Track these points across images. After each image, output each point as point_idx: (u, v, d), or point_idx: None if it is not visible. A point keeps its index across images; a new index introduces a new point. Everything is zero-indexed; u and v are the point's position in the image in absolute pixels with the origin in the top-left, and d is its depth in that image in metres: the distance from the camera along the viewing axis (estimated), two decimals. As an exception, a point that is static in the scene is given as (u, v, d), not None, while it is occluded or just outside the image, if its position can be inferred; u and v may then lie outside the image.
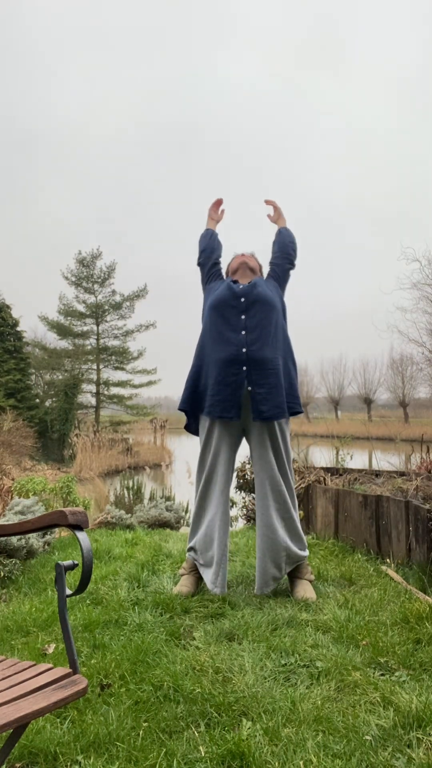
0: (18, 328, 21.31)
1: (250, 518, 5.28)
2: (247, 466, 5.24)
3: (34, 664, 1.41)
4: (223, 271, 3.46)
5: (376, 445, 10.66)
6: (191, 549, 3.16)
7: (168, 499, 6.88)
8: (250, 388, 3.02)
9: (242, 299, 3.11)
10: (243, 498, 5.42)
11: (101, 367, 28.08)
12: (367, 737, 1.66)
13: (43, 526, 1.46)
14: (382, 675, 2.05)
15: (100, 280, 28.18)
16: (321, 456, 7.23)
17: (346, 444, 5.93)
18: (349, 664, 2.10)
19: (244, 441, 3.24)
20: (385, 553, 3.65)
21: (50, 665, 1.39)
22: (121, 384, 28.31)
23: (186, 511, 6.22)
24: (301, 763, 1.54)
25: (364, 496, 3.90)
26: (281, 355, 3.13)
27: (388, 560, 3.56)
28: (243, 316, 3.09)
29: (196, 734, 1.71)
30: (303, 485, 4.74)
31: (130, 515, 5.55)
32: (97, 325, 28.39)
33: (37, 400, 21.93)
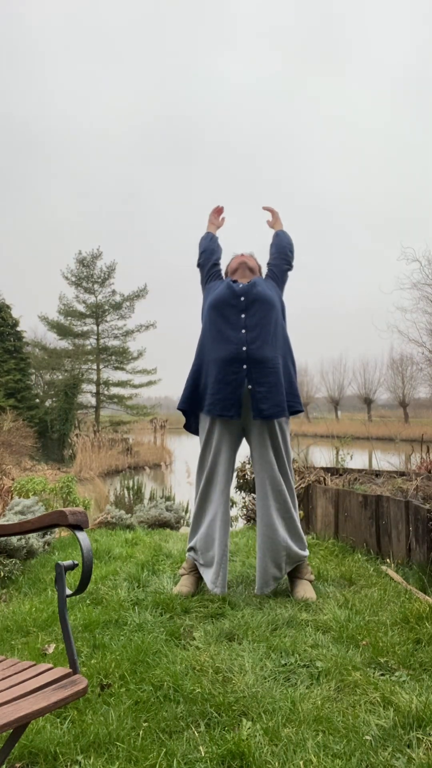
0: (18, 328, 21.31)
1: (250, 518, 5.28)
2: (247, 466, 5.24)
3: (34, 664, 1.41)
4: (223, 273, 3.47)
5: (376, 445, 10.66)
6: (191, 549, 3.16)
7: (168, 499, 6.88)
8: (250, 387, 3.03)
9: (242, 298, 3.11)
10: (243, 498, 5.42)
11: (101, 367, 28.08)
12: (367, 737, 1.66)
13: (43, 526, 1.46)
14: (382, 675, 2.05)
15: (100, 280, 28.19)
16: (321, 456, 7.23)
17: (346, 444, 5.93)
18: (349, 664, 2.10)
19: (244, 441, 3.25)
20: (385, 553, 3.65)
21: (50, 665, 1.39)
22: (121, 384, 28.32)
23: (186, 511, 6.22)
24: (301, 763, 1.54)
25: (364, 496, 3.90)
26: (281, 354, 3.13)
27: (388, 560, 3.56)
28: (243, 315, 3.09)
29: (196, 734, 1.70)
30: (303, 485, 4.74)
31: (130, 515, 5.55)
32: (97, 325, 28.39)
33: (37, 400, 21.93)
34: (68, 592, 1.41)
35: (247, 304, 3.10)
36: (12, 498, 5.33)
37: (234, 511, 5.48)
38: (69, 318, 28.22)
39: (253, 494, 5.22)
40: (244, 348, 3.04)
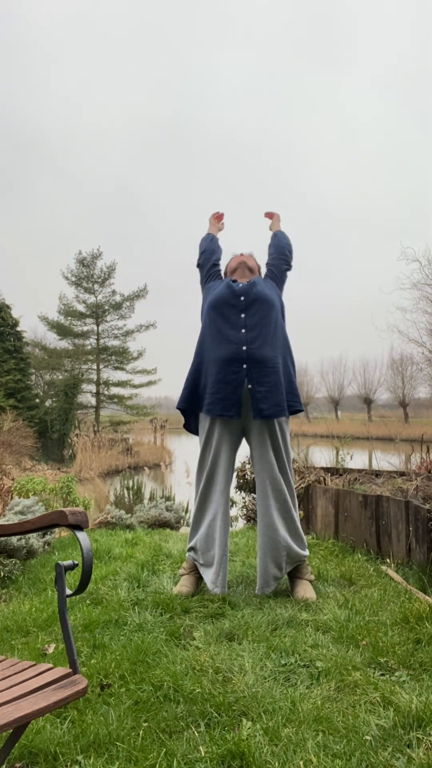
0: (18, 328, 21.30)
1: (250, 518, 5.28)
2: (247, 466, 5.24)
3: (34, 664, 1.41)
4: (222, 272, 3.48)
5: (376, 445, 10.66)
6: (191, 549, 3.16)
7: (168, 499, 6.88)
8: (250, 387, 3.03)
9: (242, 298, 3.11)
10: (243, 498, 5.42)
11: (101, 367, 28.08)
12: (367, 737, 1.66)
13: (43, 526, 1.46)
14: (382, 675, 2.05)
15: (100, 280, 28.18)
16: (321, 456, 7.22)
17: (346, 444, 5.92)
18: (349, 664, 2.10)
19: (244, 441, 3.25)
20: (385, 553, 3.65)
21: (50, 665, 1.39)
22: (121, 384, 28.32)
23: (186, 511, 6.22)
24: (301, 763, 1.54)
25: (364, 496, 3.90)
26: (281, 354, 3.13)
27: (388, 560, 3.56)
28: (243, 315, 3.09)
29: (196, 734, 1.70)
30: (303, 485, 4.74)
31: (130, 515, 5.55)
32: (97, 325, 28.39)
33: (37, 400, 21.92)
34: (68, 592, 1.41)
35: (247, 304, 3.10)
36: (12, 498, 5.33)
37: (234, 511, 5.48)
38: (69, 318, 28.22)
39: (253, 494, 5.22)
40: (244, 348, 3.04)
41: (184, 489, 7.67)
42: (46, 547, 4.12)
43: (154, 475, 15.65)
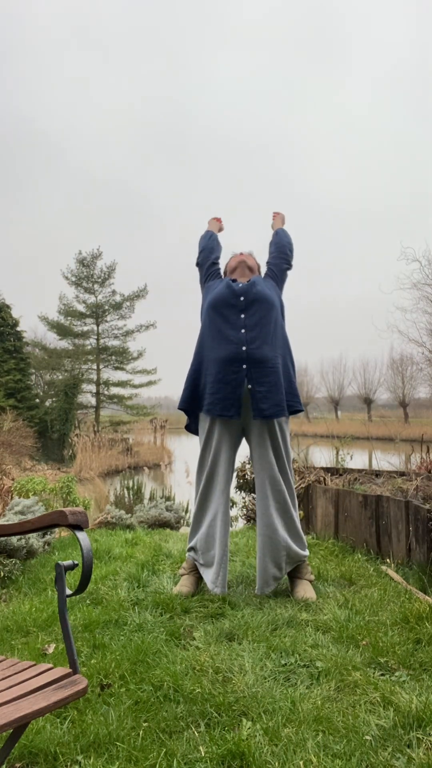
0: (18, 328, 21.30)
1: (250, 518, 5.28)
2: (247, 466, 5.24)
3: (34, 664, 1.41)
4: (222, 272, 3.47)
5: (376, 445, 10.65)
6: (191, 549, 3.16)
7: (168, 499, 6.88)
8: (250, 387, 3.02)
9: (241, 298, 3.11)
10: (243, 498, 5.42)
11: (101, 367, 28.08)
12: (367, 737, 1.65)
13: (43, 526, 1.46)
14: (382, 675, 2.05)
15: (100, 280, 28.18)
16: (321, 456, 7.23)
17: (346, 444, 5.92)
18: (349, 664, 2.10)
19: (244, 441, 3.24)
20: (385, 553, 3.65)
21: (50, 665, 1.39)
22: (121, 384, 28.32)
23: (186, 511, 6.22)
24: (301, 763, 1.54)
25: (364, 496, 3.90)
26: (280, 354, 3.13)
27: (388, 560, 3.56)
28: (242, 315, 3.09)
29: (196, 734, 1.70)
30: (303, 485, 4.74)
31: (130, 515, 5.55)
32: (97, 325, 28.39)
33: (37, 400, 21.92)
34: (68, 592, 1.41)
35: (247, 304, 3.10)
36: (12, 498, 5.33)
37: (234, 511, 5.48)
38: (69, 318, 28.22)
39: (253, 494, 5.22)
40: (244, 347, 3.04)
41: (184, 489, 7.68)
42: (46, 547, 4.12)
43: (154, 475, 15.65)
